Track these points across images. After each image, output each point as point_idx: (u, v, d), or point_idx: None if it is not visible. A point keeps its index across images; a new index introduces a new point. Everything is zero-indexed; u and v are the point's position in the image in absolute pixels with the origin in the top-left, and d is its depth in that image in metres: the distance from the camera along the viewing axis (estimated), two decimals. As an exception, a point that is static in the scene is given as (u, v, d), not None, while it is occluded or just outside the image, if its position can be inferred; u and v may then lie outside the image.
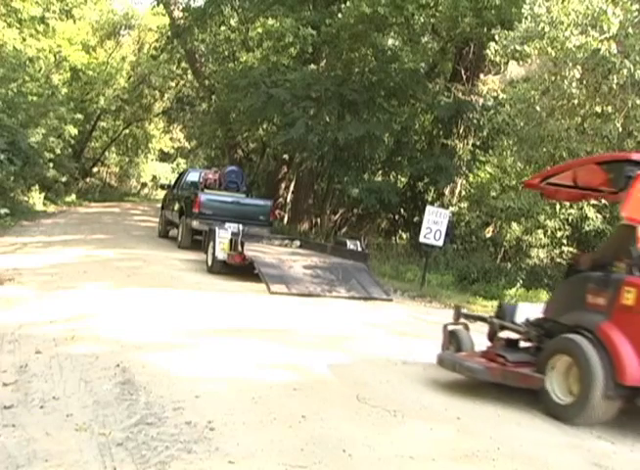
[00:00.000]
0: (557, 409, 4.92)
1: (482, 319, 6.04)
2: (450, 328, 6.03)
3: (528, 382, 5.14)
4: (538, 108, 10.44)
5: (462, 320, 6.12)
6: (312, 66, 17.24)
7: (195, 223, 14.19)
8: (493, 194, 15.14)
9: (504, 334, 5.76)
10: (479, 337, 5.99)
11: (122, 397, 4.57)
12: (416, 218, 15.60)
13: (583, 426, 4.75)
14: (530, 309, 5.75)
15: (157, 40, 27.39)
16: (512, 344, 5.69)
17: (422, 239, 11.74)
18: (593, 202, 13.90)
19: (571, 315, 5.14)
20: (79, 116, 26.80)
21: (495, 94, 15.38)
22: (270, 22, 18.51)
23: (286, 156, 21.23)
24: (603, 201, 13.83)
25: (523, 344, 5.68)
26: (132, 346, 5.89)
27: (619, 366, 4.60)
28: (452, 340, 5.95)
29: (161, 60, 28.14)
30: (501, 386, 5.54)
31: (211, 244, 11.33)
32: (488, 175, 15.75)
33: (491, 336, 5.79)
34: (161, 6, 23.04)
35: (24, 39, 21.95)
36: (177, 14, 22.78)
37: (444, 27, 15.75)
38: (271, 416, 4.41)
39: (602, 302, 4.90)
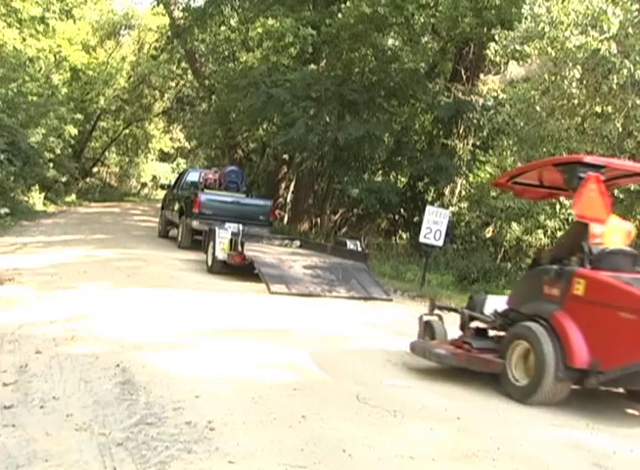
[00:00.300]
0: (515, 391, 5.29)
1: (455, 310, 6.52)
2: (425, 319, 6.43)
3: (491, 366, 5.54)
4: (538, 108, 10.44)
5: (436, 311, 6.52)
6: (312, 66, 17.23)
7: (195, 223, 14.19)
8: (493, 194, 15.14)
9: (474, 324, 6.13)
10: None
11: (122, 397, 4.57)
12: (416, 218, 15.60)
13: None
14: (498, 301, 6.09)
15: (157, 40, 27.38)
16: (480, 333, 6.07)
17: (422, 239, 11.74)
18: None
19: (529, 305, 5.53)
20: (79, 116, 26.80)
21: (495, 94, 15.39)
22: (270, 22, 18.51)
23: (286, 156, 21.22)
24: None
25: (491, 333, 6.04)
26: (132, 346, 5.89)
27: (569, 351, 4.98)
28: (427, 329, 6.34)
29: (161, 60, 28.12)
30: (501, 385, 5.60)
31: (211, 244, 11.32)
32: (488, 175, 15.75)
33: (462, 326, 6.17)
34: (161, 6, 23.04)
35: (24, 39, 21.94)
36: (177, 14, 22.77)
37: (444, 27, 15.74)
38: (271, 416, 4.41)
39: (556, 292, 5.29)
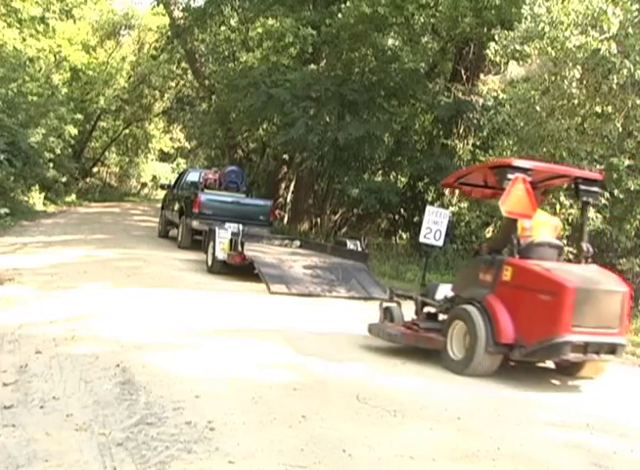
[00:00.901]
0: (453, 365, 6.02)
1: (410, 298, 7.17)
2: (385, 305, 7.11)
3: (434, 344, 6.30)
4: (538, 108, 10.44)
5: (395, 299, 7.30)
6: (312, 66, 17.23)
7: (195, 223, 14.18)
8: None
9: (427, 309, 6.89)
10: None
11: (122, 397, 4.57)
12: (416, 218, 15.59)
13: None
14: (449, 289, 6.75)
15: (157, 40, 27.39)
16: (432, 317, 6.83)
17: (422, 239, 11.72)
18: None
19: (468, 290, 6.25)
20: (79, 116, 26.80)
21: (495, 94, 15.37)
22: (270, 22, 18.51)
23: (286, 156, 21.22)
24: (603, 201, 13.86)
25: (441, 316, 6.71)
26: (132, 346, 5.89)
27: (498, 328, 5.72)
28: (386, 314, 7.00)
29: (161, 60, 28.13)
30: (502, 386, 5.65)
31: (211, 244, 11.33)
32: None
33: (416, 311, 6.94)
34: (161, 6, 23.04)
35: (24, 39, 21.95)
36: (177, 14, 22.78)
37: (444, 27, 15.74)
38: (271, 416, 4.41)
39: (489, 278, 6.04)
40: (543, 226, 6.38)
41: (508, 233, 6.19)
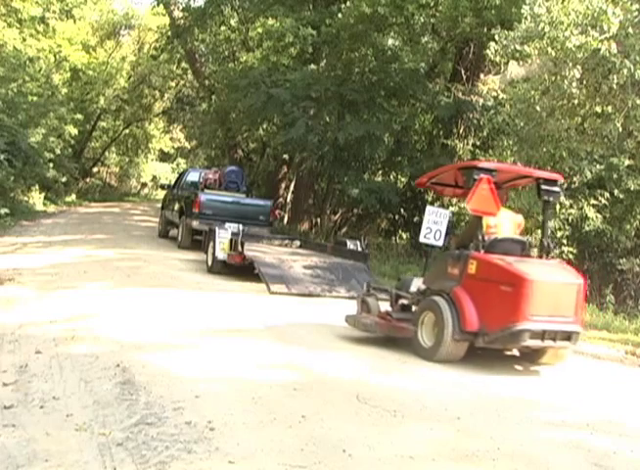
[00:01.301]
0: (423, 352, 6.45)
1: (385, 291, 7.56)
2: (362, 297, 7.51)
3: (405, 332, 6.71)
4: (538, 108, 10.44)
5: (372, 291, 7.63)
6: (312, 66, 17.22)
7: (195, 223, 14.18)
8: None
9: (402, 301, 7.23)
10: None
11: (122, 397, 4.57)
12: (416, 218, 15.59)
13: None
14: (421, 282, 7.10)
15: (157, 40, 27.38)
16: (406, 308, 7.13)
17: (422, 239, 11.67)
18: (593, 202, 13.92)
19: (437, 283, 6.69)
20: (79, 116, 26.82)
21: (495, 94, 15.37)
22: (270, 22, 18.51)
23: (286, 156, 21.22)
24: (603, 201, 13.87)
25: (413, 308, 7.04)
26: (132, 346, 5.89)
27: (464, 318, 6.14)
28: (364, 306, 7.38)
29: (161, 60, 28.13)
30: (503, 385, 5.67)
31: (211, 244, 11.32)
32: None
33: (392, 303, 7.27)
34: (161, 6, 23.02)
35: (24, 39, 21.94)
36: (177, 14, 22.77)
37: (444, 27, 15.75)
38: (271, 416, 4.41)
39: (456, 272, 6.45)
40: (507, 223, 6.86)
41: (474, 230, 6.62)
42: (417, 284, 7.11)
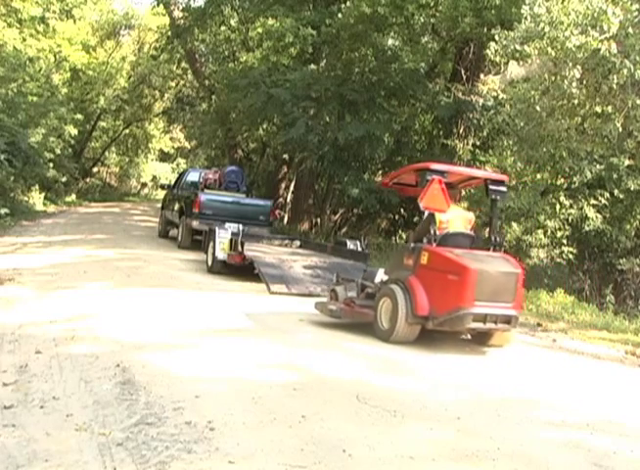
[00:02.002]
0: (381, 334, 7.12)
1: (353, 281, 8.16)
2: (332, 287, 8.25)
3: (366, 317, 7.42)
4: (538, 108, 10.44)
5: (341, 282, 8.26)
6: (312, 66, 17.22)
7: (195, 223, 14.18)
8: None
9: (367, 290, 7.80)
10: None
11: (122, 397, 4.57)
12: (416, 218, 15.57)
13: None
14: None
15: (157, 40, 27.39)
16: (370, 296, 7.66)
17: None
18: (593, 202, 13.93)
19: (395, 273, 7.37)
20: (79, 116, 26.81)
21: (495, 94, 15.37)
22: (270, 22, 18.49)
23: (286, 156, 21.23)
24: (603, 201, 13.88)
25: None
26: (132, 346, 5.89)
27: (416, 303, 6.81)
28: (333, 295, 8.08)
29: (161, 60, 28.14)
30: (504, 384, 5.64)
31: (211, 244, 11.32)
32: (488, 175, 15.73)
33: (358, 292, 7.88)
34: (161, 6, 23.03)
35: (24, 39, 21.94)
36: (177, 14, 22.77)
37: (444, 27, 15.74)
38: (271, 416, 4.41)
39: (411, 263, 7.13)
40: (458, 219, 7.60)
41: (427, 225, 7.24)
42: (381, 275, 7.73)
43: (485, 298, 6.67)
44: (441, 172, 7.22)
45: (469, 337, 7.46)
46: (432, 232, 7.10)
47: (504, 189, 7.57)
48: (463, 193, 16.62)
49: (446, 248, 7.00)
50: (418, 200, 7.16)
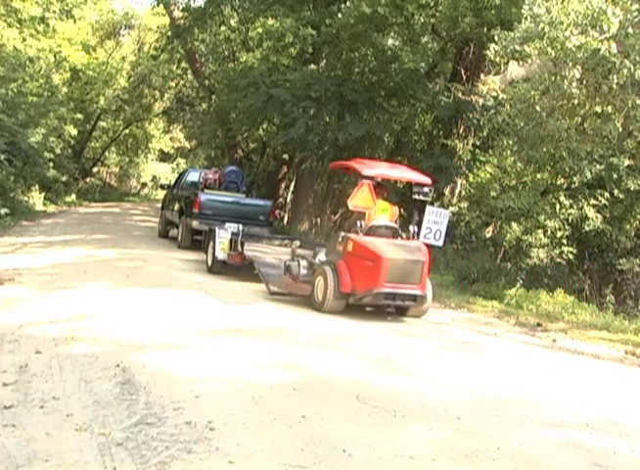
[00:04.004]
0: (316, 305, 8.62)
1: (304, 257, 9.48)
2: (287, 262, 9.45)
3: (304, 291, 8.94)
4: (538, 108, 10.44)
5: (295, 258, 9.55)
6: (312, 66, 17.22)
7: (195, 223, 14.16)
8: (493, 194, 15.13)
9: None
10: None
11: (122, 397, 4.57)
12: (416, 218, 15.58)
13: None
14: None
15: (157, 40, 27.35)
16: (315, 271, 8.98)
17: (422, 239, 11.71)
18: (593, 202, 13.93)
19: (330, 256, 8.91)
20: (79, 116, 26.81)
21: (495, 94, 15.37)
22: (270, 22, 18.50)
23: (286, 156, 21.22)
24: (603, 201, 13.88)
25: None
26: (132, 346, 5.89)
27: (342, 282, 8.34)
28: (287, 270, 9.42)
29: (161, 60, 28.10)
30: (504, 384, 5.64)
31: (211, 244, 11.32)
32: (488, 175, 15.75)
33: (307, 268, 9.23)
34: (161, 6, 22.99)
35: (24, 39, 21.94)
36: (177, 14, 22.75)
37: (444, 27, 15.74)
38: (271, 416, 4.41)
39: (341, 248, 8.63)
40: (384, 213, 8.95)
41: (356, 218, 8.75)
42: (323, 256, 9.16)
43: (395, 280, 8.19)
44: (371, 178, 8.60)
45: (393, 310, 9.01)
46: (359, 224, 8.59)
47: (427, 190, 8.95)
48: (462, 191, 16.72)
49: (368, 238, 8.43)
50: (348, 200, 8.61)
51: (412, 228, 9.03)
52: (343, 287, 8.31)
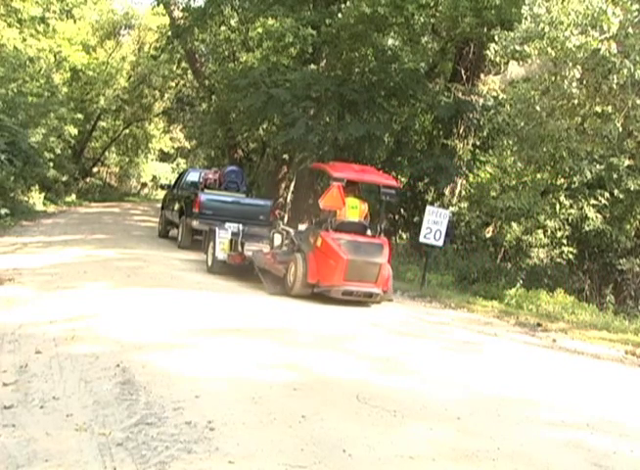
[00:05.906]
0: (286, 288, 9.45)
1: (288, 232, 10.28)
2: (273, 232, 10.36)
3: (279, 271, 9.71)
4: (538, 108, 10.44)
5: (280, 230, 10.42)
6: (312, 66, 17.20)
7: (195, 223, 14.17)
8: (493, 194, 15.14)
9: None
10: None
11: (122, 397, 4.57)
12: (416, 218, 15.60)
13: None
14: (304, 228, 10.53)
15: (157, 40, 27.34)
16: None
17: (422, 239, 11.75)
18: (593, 202, 13.93)
19: (303, 246, 9.61)
20: (79, 116, 26.78)
21: (495, 94, 15.38)
22: (270, 22, 18.48)
23: (286, 156, 21.20)
24: (603, 201, 13.88)
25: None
26: (132, 346, 5.89)
27: (309, 273, 9.20)
28: (270, 241, 10.39)
29: (161, 60, 28.09)
30: (504, 384, 5.62)
31: (211, 244, 11.32)
32: (488, 175, 15.75)
33: (290, 244, 10.06)
34: (161, 6, 22.98)
35: (25, 39, 21.92)
36: (177, 14, 22.73)
37: (444, 27, 15.74)
38: (271, 416, 4.41)
39: (312, 241, 9.43)
40: (353, 210, 9.62)
41: (328, 215, 9.50)
42: (303, 226, 10.28)
43: (354, 279, 9.14)
44: (340, 180, 9.39)
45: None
46: (329, 221, 9.34)
47: (393, 192, 9.83)
48: (462, 191, 16.74)
49: (335, 238, 9.19)
50: (319, 200, 9.39)
51: (379, 227, 9.84)
52: (310, 278, 9.18)
